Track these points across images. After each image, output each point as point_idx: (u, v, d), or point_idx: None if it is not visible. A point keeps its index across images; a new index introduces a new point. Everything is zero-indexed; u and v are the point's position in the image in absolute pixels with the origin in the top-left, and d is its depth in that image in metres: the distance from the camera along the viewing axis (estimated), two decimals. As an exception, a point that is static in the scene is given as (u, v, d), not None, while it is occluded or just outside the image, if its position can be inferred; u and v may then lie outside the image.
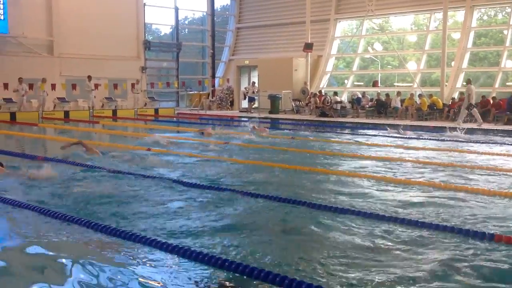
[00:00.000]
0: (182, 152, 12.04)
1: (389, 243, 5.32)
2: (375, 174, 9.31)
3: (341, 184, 8.52)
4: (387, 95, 24.49)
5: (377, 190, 8.01)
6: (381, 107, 24.17)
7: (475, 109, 20.20)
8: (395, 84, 28.47)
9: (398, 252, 5.06)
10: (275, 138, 15.64)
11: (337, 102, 25.08)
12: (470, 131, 18.01)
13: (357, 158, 11.61)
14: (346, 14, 29.22)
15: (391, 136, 16.67)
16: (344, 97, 27.50)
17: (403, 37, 29.52)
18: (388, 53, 29.26)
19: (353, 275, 4.44)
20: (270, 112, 26.40)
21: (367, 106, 24.76)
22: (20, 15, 25.10)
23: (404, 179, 8.82)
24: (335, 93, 26.08)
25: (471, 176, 9.31)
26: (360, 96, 25.35)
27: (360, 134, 17.15)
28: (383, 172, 9.69)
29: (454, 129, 17.40)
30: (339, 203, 6.99)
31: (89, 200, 7.08)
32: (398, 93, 24.17)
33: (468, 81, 20.61)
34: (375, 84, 27.35)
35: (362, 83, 29.60)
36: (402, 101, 23.71)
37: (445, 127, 18.32)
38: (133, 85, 28.34)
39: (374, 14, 26.82)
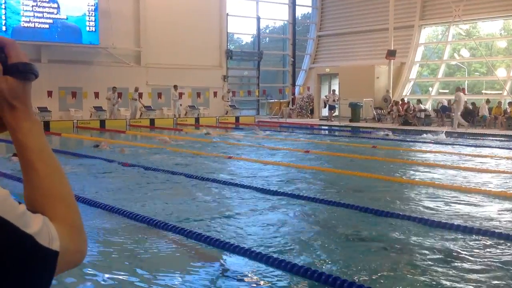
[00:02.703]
0: (259, 160, 12.16)
1: (469, 257, 5.10)
2: (464, 186, 8.98)
3: (421, 193, 8.27)
4: (473, 103, 23.51)
5: (460, 201, 7.72)
6: (468, 116, 23.22)
7: (455, 114, 21.29)
8: (483, 91, 27.28)
9: (481, 267, 4.83)
10: (355, 147, 15.42)
11: (421, 110, 24.38)
12: None
13: (439, 167, 11.24)
14: (431, 20, 28.37)
15: (478, 146, 16.00)
16: (428, 105, 26.68)
17: (491, 43, 28.27)
18: (475, 59, 28.12)
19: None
20: (351, 121, 26.07)
21: (453, 114, 23.86)
22: (110, 27, 26.26)
23: (486, 190, 8.45)
24: (419, 101, 25.37)
25: None
26: (445, 104, 24.51)
27: (445, 144, 16.58)
28: (468, 182, 9.33)
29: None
30: (422, 213, 6.79)
31: (177, 207, 7.29)
32: (487, 101, 23.14)
33: (457, 89, 21.72)
34: (461, 92, 26.32)
35: (447, 91, 28.60)
36: (491, 109, 22.69)
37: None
38: (215, 94, 28.87)
39: (461, 19, 25.90)
